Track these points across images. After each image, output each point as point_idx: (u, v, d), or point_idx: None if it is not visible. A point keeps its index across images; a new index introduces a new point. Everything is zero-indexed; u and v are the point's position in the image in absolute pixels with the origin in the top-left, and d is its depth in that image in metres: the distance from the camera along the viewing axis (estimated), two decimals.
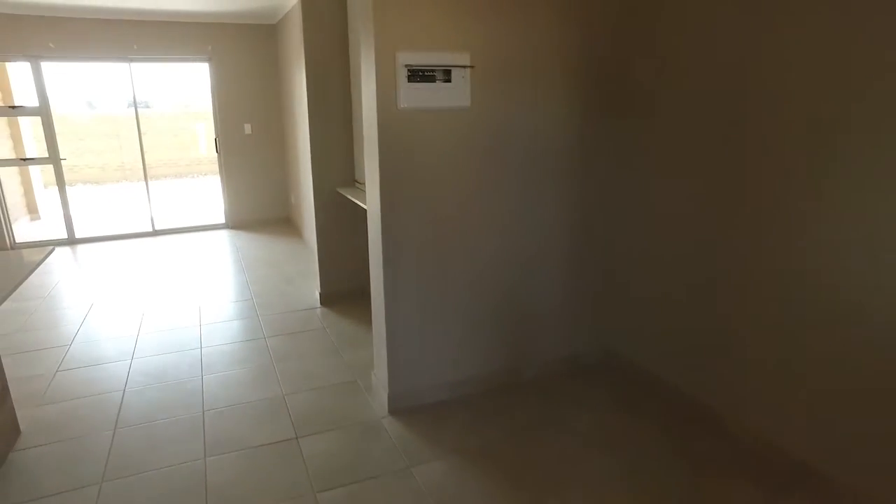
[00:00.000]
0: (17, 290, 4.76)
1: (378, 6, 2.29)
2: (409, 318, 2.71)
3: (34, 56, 5.80)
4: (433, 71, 2.44)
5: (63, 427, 2.73)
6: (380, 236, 2.57)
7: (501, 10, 2.53)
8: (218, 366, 3.33)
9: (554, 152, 2.83)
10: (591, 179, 2.96)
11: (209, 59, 6.40)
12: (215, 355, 3.46)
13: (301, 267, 5.21)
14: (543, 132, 2.78)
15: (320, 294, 4.29)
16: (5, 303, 4.45)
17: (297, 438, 2.61)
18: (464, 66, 2.50)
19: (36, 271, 5.30)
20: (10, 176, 7.62)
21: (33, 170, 8.13)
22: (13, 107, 6.66)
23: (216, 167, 6.95)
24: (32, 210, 8.13)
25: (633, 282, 3.02)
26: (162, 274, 5.16)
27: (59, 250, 6.10)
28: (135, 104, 6.62)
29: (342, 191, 4.04)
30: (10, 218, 6.33)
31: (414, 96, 2.43)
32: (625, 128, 2.89)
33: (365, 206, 3.15)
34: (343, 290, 4.31)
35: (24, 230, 7.11)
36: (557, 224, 2.95)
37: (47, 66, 5.95)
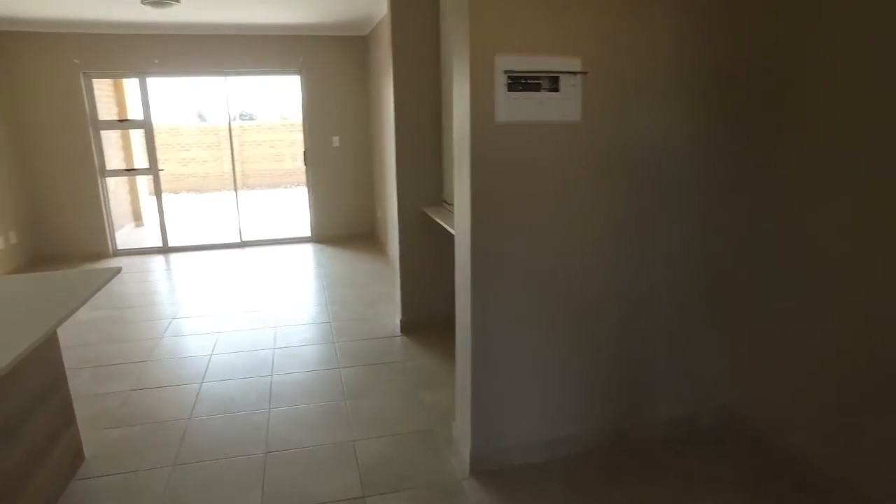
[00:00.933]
0: (111, 298, 4.87)
1: (475, 1, 1.94)
2: (497, 362, 2.32)
3: (141, 72, 6.00)
4: (538, 78, 2.05)
5: (126, 456, 2.57)
6: (468, 266, 2.21)
7: (621, 4, 2.10)
8: (287, 397, 3.08)
9: (683, 176, 2.34)
10: (728, 208, 2.44)
11: (300, 72, 6.37)
12: (286, 385, 3.22)
13: (384, 289, 4.95)
14: (671, 152, 2.30)
15: (401, 321, 3.98)
16: (96, 311, 4.55)
17: (363, 497, 2.27)
18: (574, 73, 2.09)
19: (129, 279, 5.44)
20: (120, 185, 8.02)
21: (140, 179, 8.52)
22: (122, 120, 6.96)
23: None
24: (137, 217, 8.52)
25: (775, 334, 2.45)
26: (242, 289, 5.08)
27: (153, 259, 6.25)
28: (228, 116, 6.71)
29: (428, 211, 3.73)
30: (116, 225, 6.60)
31: (514, 108, 2.05)
32: (781, 150, 2.35)
33: (452, 231, 2.80)
34: (426, 318, 3.98)
35: (127, 237, 7.42)
36: (680, 260, 2.45)
37: (152, 82, 6.13)
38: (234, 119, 14.53)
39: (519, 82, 2.02)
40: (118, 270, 2.50)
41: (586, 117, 2.15)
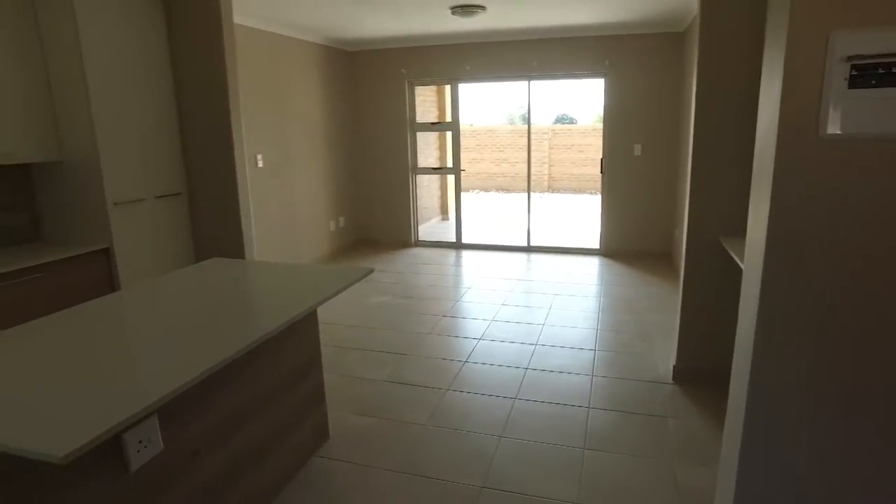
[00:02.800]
0: (401, 286, 5.35)
1: None
2: (784, 464, 1.61)
3: (454, 78, 6.44)
4: None
5: (363, 447, 2.66)
6: (753, 316, 1.57)
7: None
8: (522, 428, 2.81)
9: None
10: None
11: (605, 74, 5.97)
12: (526, 413, 2.95)
13: (664, 321, 4.28)
14: None
15: (675, 367, 3.33)
16: (384, 297, 5.03)
17: None
18: None
19: (422, 270, 5.91)
20: (433, 181, 8.90)
21: (451, 177, 9.31)
22: (434, 123, 7.62)
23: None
24: (444, 212, 9.35)
25: None
26: (516, 297, 4.99)
27: (447, 252, 6.69)
28: (528, 119, 6.72)
29: (726, 242, 2.99)
30: (423, 218, 7.31)
31: (858, 114, 1.34)
32: None
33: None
34: (707, 369, 3.24)
35: (430, 230, 8.16)
36: None
37: (464, 87, 6.53)
38: (552, 122, 14.90)
39: (871, 74, 1.31)
40: (370, 271, 2.57)
41: None
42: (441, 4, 4.47)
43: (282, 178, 5.55)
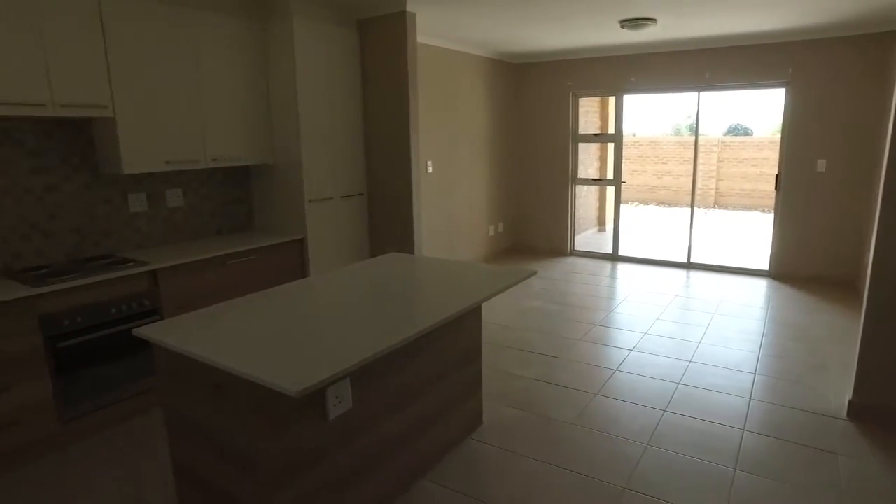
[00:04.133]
0: (553, 292, 5.48)
1: None
2: None
3: (618, 90, 6.42)
4: None
5: (512, 437, 2.87)
6: None
7: None
8: (669, 439, 2.81)
9: None
10: None
11: (787, 83, 5.55)
12: (674, 425, 2.95)
13: (843, 352, 3.92)
14: None
15: (851, 402, 3.07)
16: (536, 301, 5.19)
17: None
18: None
19: (575, 279, 5.97)
20: (591, 192, 8.87)
21: (610, 189, 9.19)
22: (597, 134, 7.61)
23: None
24: (601, 223, 9.26)
25: None
26: (673, 312, 4.87)
27: (601, 263, 6.67)
28: (696, 132, 6.44)
29: None
30: (579, 228, 7.35)
31: None
32: None
33: None
34: (889, 408, 2.96)
35: (586, 240, 8.15)
36: None
37: (630, 98, 6.47)
38: (722, 132, 13.95)
39: None
40: (533, 273, 2.76)
41: None
42: (610, 18, 4.55)
43: (448, 183, 5.98)
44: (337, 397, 2.00)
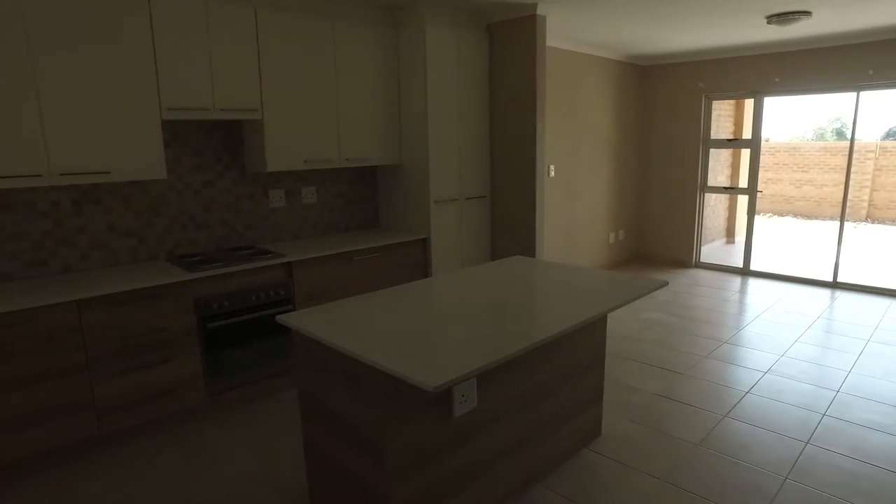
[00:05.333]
0: (675, 305, 5.18)
1: None
2: None
3: (757, 92, 5.94)
4: None
5: (630, 451, 2.75)
6: None
7: None
8: (813, 478, 2.55)
9: None
10: None
11: None
12: (817, 464, 2.67)
13: None
14: None
15: None
16: (656, 313, 4.94)
17: None
18: None
19: (700, 293, 5.61)
20: (720, 201, 8.30)
21: (742, 198, 8.56)
22: (731, 139, 7.10)
23: None
24: (730, 234, 8.63)
25: None
26: (811, 336, 4.42)
27: (730, 278, 6.22)
28: (852, 136, 5.79)
29: None
30: (706, 239, 6.91)
31: None
32: None
33: None
34: None
35: (713, 252, 7.64)
36: None
37: (769, 101, 5.98)
38: (879, 137, 12.48)
39: None
40: (664, 283, 2.63)
41: None
42: (755, 14, 4.22)
43: (569, 188, 5.87)
44: (463, 395, 2.03)
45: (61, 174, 2.72)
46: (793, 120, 14.49)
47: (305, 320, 2.13)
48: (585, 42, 5.42)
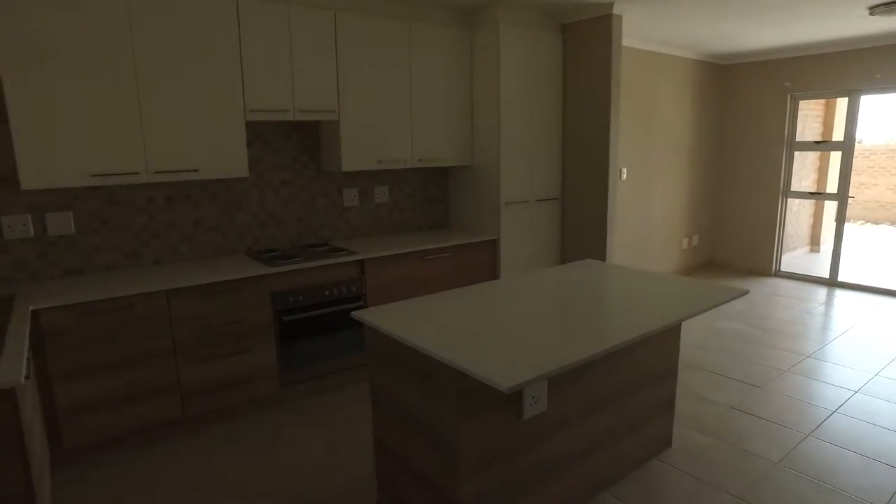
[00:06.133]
0: (752, 315, 4.93)
1: None
2: None
3: (852, 90, 5.56)
4: None
5: (702, 464, 2.65)
6: None
7: None
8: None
9: None
10: None
11: None
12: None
13: None
14: None
15: None
16: (731, 322, 4.71)
17: None
18: None
19: (779, 303, 5.31)
20: (804, 207, 7.83)
21: (829, 204, 8.03)
22: (819, 142, 6.68)
23: None
24: (814, 243, 8.12)
25: None
26: (894, 354, 4.11)
27: (814, 288, 5.86)
28: None
29: None
30: (787, 247, 6.54)
31: None
32: None
33: None
34: None
35: (795, 261, 7.21)
36: None
37: (865, 100, 5.59)
38: None
39: None
40: (745, 292, 2.52)
41: None
42: (857, 4, 3.95)
43: (642, 191, 5.71)
44: (533, 398, 2.02)
45: (156, 172, 2.91)
46: (893, 120, 13.43)
47: (379, 317, 2.18)
48: (662, 41, 5.26)
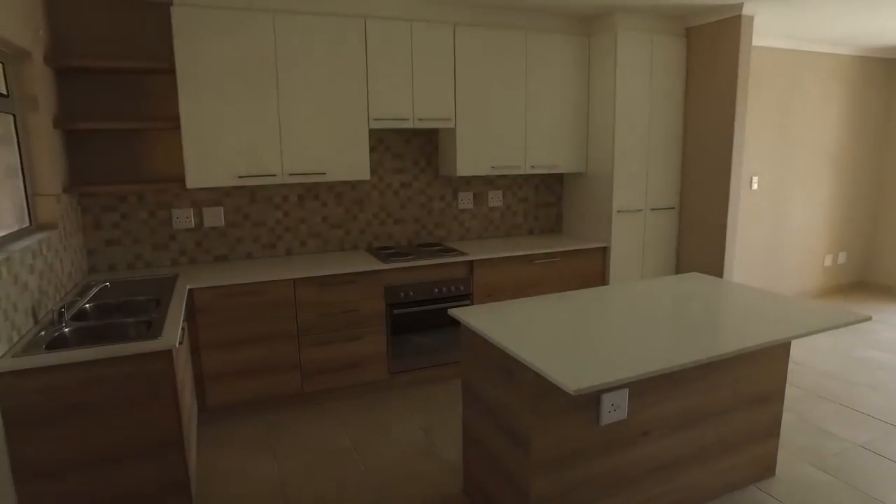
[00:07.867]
0: (889, 341, 4.37)
1: None
2: None
3: None
4: None
5: (809, 502, 2.48)
6: None
7: None
8: None
9: None
10: None
11: None
12: None
13: None
14: None
15: None
16: (875, 351, 4.21)
17: None
18: None
19: None
20: None
21: None
22: None
23: None
24: None
25: None
26: None
27: None
28: None
29: None
30: None
31: None
32: None
33: None
34: None
35: None
36: None
37: None
38: None
39: None
40: (866, 318, 2.32)
41: None
42: None
43: (776, 202, 5.29)
44: (612, 404, 2.05)
45: (290, 174, 3.32)
46: None
47: (472, 314, 2.33)
48: (805, 38, 4.82)
